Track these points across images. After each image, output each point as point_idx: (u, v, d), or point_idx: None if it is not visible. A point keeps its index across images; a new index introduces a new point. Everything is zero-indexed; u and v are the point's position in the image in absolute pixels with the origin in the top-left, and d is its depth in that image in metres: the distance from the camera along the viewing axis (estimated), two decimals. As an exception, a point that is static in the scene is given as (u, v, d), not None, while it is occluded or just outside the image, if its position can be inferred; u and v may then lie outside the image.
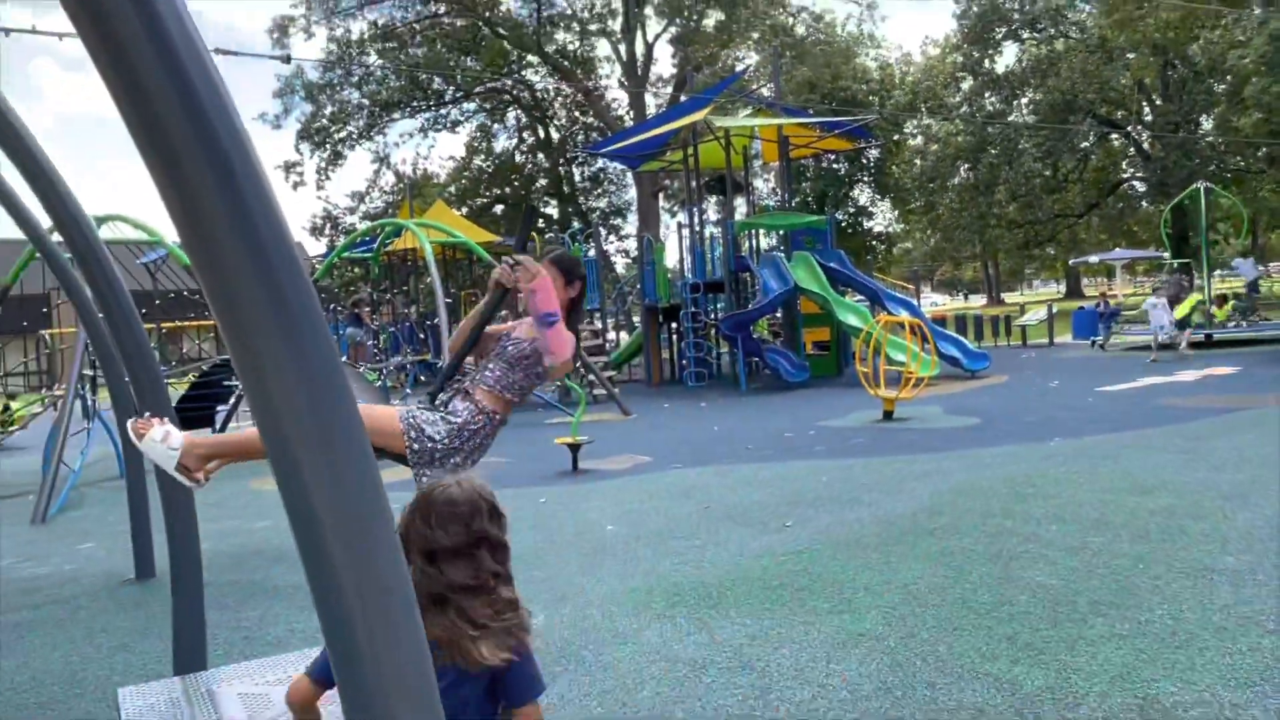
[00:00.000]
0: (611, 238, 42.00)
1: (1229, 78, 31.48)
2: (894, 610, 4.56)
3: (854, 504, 7.00)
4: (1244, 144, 30.45)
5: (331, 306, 20.93)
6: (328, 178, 43.21)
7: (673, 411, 14.93)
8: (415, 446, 2.77)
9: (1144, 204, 47.42)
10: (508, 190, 41.31)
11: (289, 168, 38.18)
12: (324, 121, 37.12)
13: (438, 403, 2.95)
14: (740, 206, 23.69)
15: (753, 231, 21.26)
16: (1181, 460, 7.77)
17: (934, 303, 68.16)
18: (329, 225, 39.87)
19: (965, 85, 42.10)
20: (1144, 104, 40.92)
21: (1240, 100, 25.95)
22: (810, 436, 10.87)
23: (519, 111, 40.71)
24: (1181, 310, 19.11)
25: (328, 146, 37.62)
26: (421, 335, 19.21)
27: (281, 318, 0.99)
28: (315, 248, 39.24)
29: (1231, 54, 26.07)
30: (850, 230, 42.34)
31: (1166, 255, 24.41)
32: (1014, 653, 3.94)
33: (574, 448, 9.61)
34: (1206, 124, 39.21)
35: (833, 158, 39.19)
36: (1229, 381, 13.47)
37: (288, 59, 16.41)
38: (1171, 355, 17.17)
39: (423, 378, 17.50)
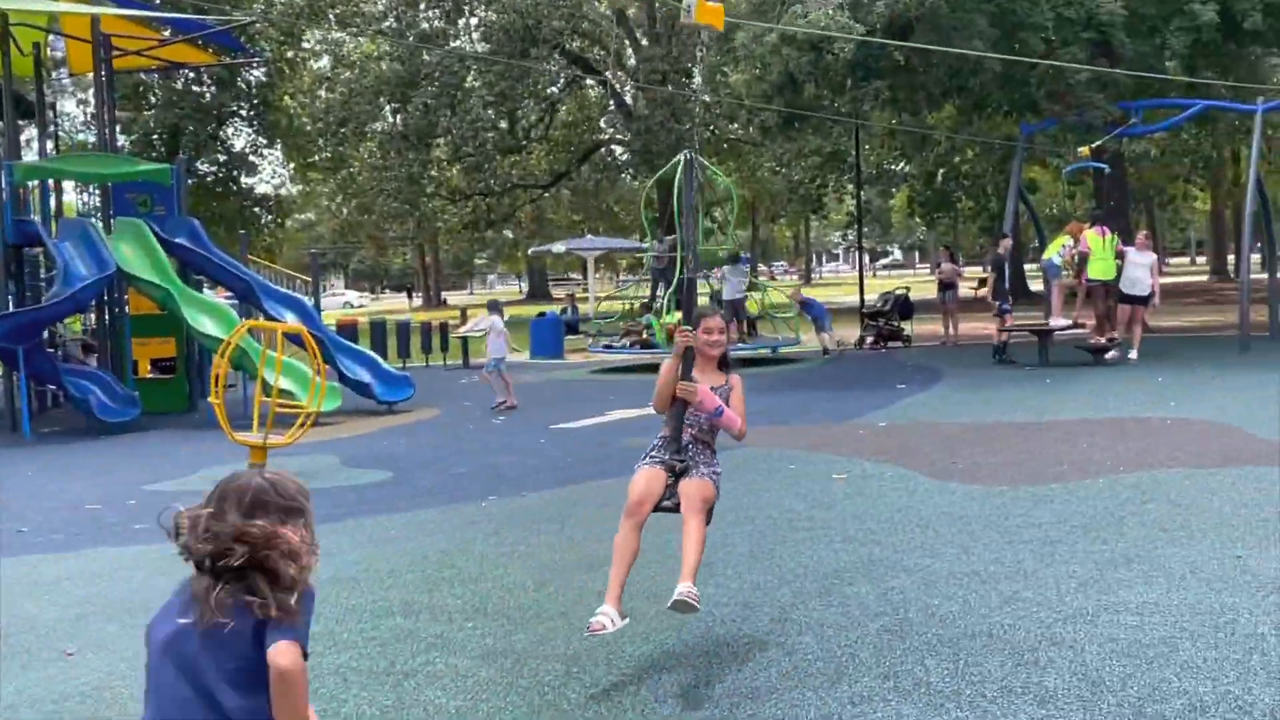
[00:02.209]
0: None
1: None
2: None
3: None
4: (738, 106, 35.62)
5: None
6: None
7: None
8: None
9: (627, 176, 53.28)
10: None
11: None
12: None
13: (693, 454, 5.94)
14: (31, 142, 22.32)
15: (49, 183, 20.22)
16: (642, 521, 8.72)
17: (349, 303, 69.77)
18: None
19: (389, -12, 43.87)
20: (626, 43, 46.03)
21: (730, 49, 30.23)
22: (129, 509, 10.51)
23: None
24: None
25: None
26: None
27: None
28: None
29: (721, -12, 30.25)
30: (219, 189, 41.90)
31: (647, 245, 27.61)
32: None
33: None
34: (699, 76, 45.20)
35: (191, 76, 38.46)
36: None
37: None
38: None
39: None
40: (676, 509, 5.78)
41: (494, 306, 19.27)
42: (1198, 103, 24.94)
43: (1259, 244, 27.26)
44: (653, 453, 5.95)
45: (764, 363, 23.06)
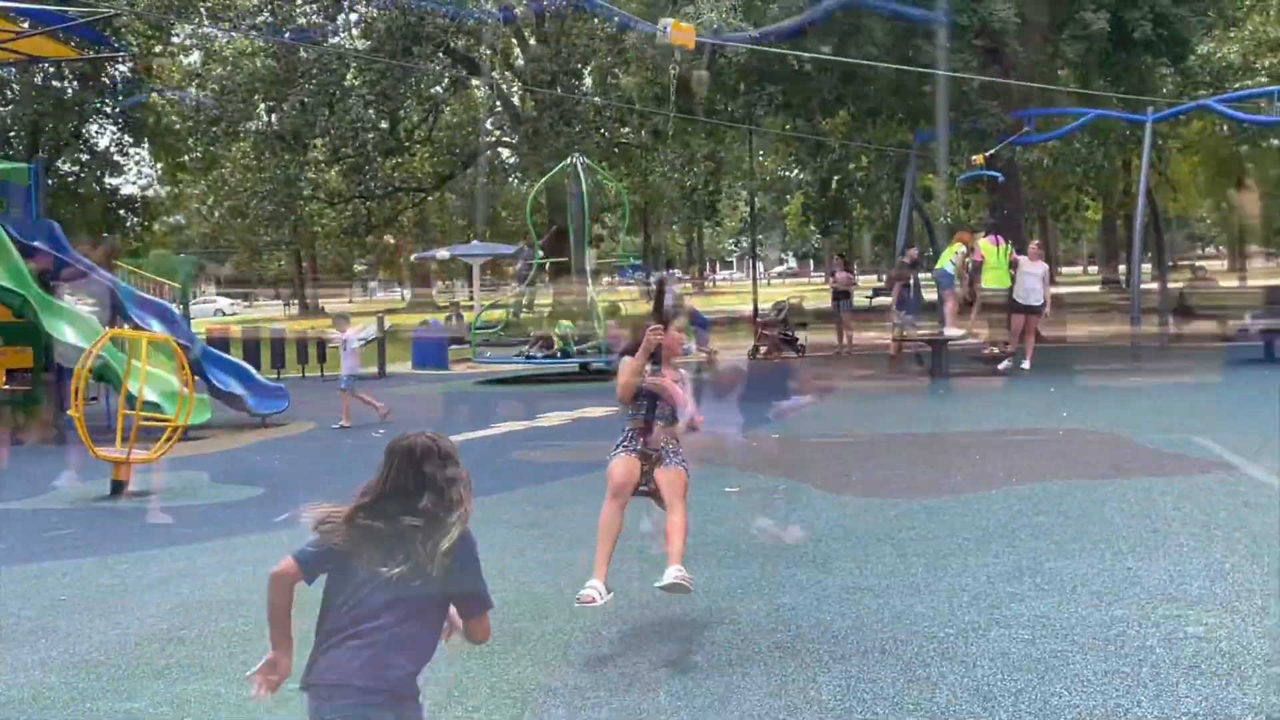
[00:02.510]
0: None
1: (615, 18, 36.68)
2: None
3: (40, 637, 6.71)
4: (629, 110, 35.74)
5: None
6: None
7: None
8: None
9: (515, 180, 53.21)
10: None
11: None
12: None
13: (664, 444, 6.69)
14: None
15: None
16: (528, 538, 8.72)
17: (220, 310, 68.77)
18: None
19: (269, -19, 43.32)
20: (513, 42, 45.93)
21: (621, 51, 30.38)
22: (-17, 529, 10.18)
23: None
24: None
25: None
26: None
27: None
28: None
29: (610, -13, 30.35)
30: (81, 190, 41.03)
31: (537, 251, 27.57)
32: None
33: None
34: (589, 79, 45.27)
35: (50, 70, 37.63)
36: (603, 426, 15.51)
37: None
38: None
39: None
40: (649, 494, 6.70)
41: (342, 320, 18.80)
42: (1089, 111, 25.56)
43: (1149, 254, 28.02)
44: (625, 443, 6.67)
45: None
